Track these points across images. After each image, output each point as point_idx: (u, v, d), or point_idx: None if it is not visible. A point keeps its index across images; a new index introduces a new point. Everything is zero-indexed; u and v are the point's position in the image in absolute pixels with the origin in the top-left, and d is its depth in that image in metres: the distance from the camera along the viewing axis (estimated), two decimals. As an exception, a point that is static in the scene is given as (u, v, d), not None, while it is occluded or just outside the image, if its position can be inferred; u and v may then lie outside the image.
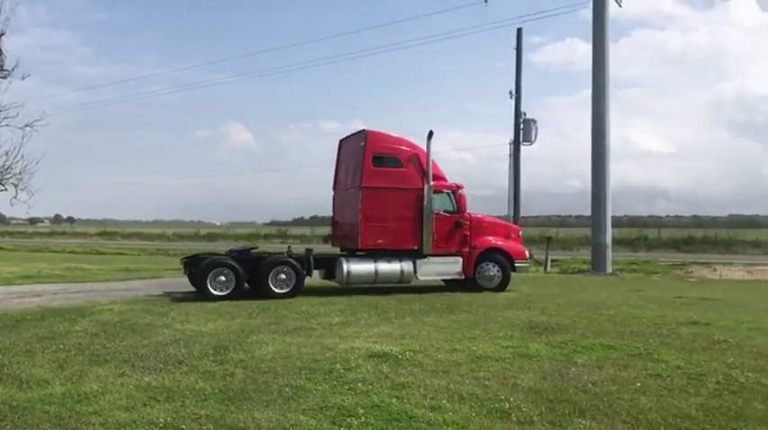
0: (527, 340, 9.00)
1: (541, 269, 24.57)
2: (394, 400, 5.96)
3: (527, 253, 17.45)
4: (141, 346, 8.52)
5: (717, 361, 7.73)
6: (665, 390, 6.42)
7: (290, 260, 14.97)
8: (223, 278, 14.27)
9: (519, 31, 27.01)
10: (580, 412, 5.68)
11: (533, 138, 25.76)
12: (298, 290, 14.75)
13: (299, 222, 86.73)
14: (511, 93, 26.22)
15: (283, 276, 14.68)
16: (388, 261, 15.52)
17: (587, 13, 25.31)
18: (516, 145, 26.15)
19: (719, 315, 11.61)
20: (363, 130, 16.21)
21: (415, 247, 15.79)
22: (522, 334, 9.57)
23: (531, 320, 10.87)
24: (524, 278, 20.03)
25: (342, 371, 7.05)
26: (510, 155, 26.21)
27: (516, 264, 16.67)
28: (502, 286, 16.28)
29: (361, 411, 5.63)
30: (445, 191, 16.46)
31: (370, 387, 6.41)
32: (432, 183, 15.86)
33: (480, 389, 6.39)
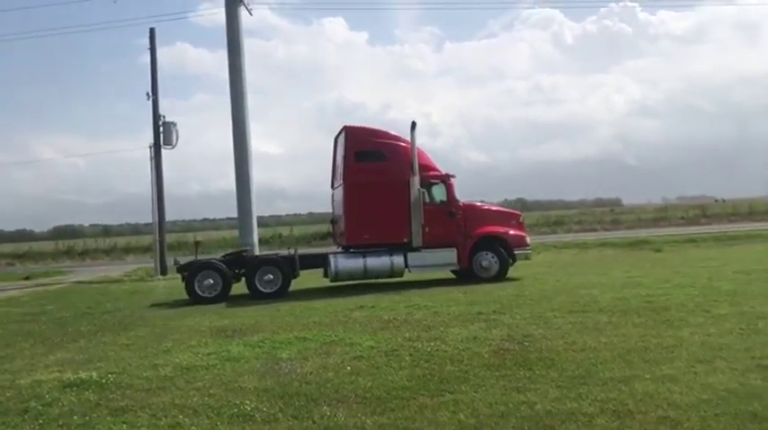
0: (224, 344, 8.94)
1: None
2: (124, 426, 5.46)
3: (528, 240, 16.74)
4: None
5: (398, 337, 8.77)
6: (374, 369, 7.09)
7: (276, 260, 15.33)
8: (211, 281, 14.66)
9: (152, 31, 26.03)
10: (314, 401, 5.95)
11: (174, 141, 25.20)
12: (284, 290, 14.96)
13: None
14: (148, 94, 25.18)
15: (270, 276, 14.92)
16: (378, 255, 15.33)
17: (199, 20, 25.67)
18: (157, 148, 25.19)
19: (378, 298, 13.07)
20: (344, 127, 16.01)
21: (406, 240, 15.51)
22: (215, 339, 9.47)
23: (215, 325, 10.82)
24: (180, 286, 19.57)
25: (40, 408, 6.13)
26: (151, 158, 25.20)
27: (516, 253, 16.05)
28: (499, 275, 15.72)
29: (94, 445, 5.04)
30: (434, 181, 16.12)
31: (86, 419, 5.73)
32: (418, 174, 15.44)
33: (209, 398, 6.22)
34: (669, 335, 7.84)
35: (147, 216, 28.69)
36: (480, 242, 15.85)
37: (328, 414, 5.56)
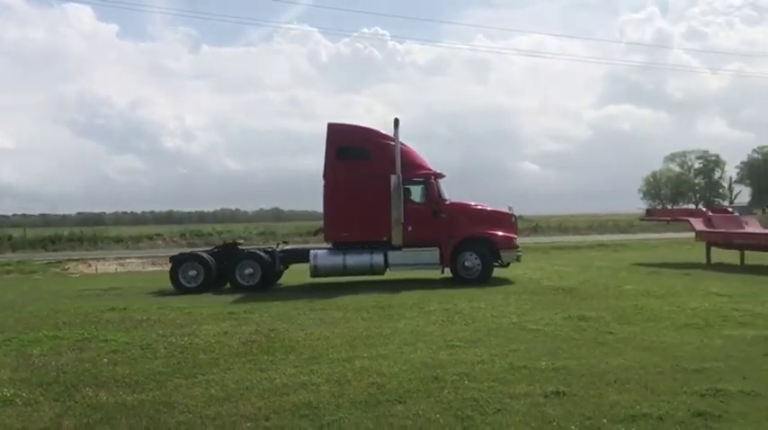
0: (-35, 344, 8.81)
1: None
2: None
3: (516, 241, 15.95)
4: None
5: (153, 333, 9.37)
6: (131, 360, 7.74)
7: (257, 254, 15.62)
8: (194, 272, 15.30)
9: None
10: (74, 387, 6.49)
11: None
12: (266, 283, 15.33)
13: None
14: None
15: (250, 270, 15.28)
16: (358, 253, 15.25)
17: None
18: None
19: (129, 300, 13.35)
20: (327, 124, 15.75)
21: (386, 239, 15.35)
22: (-47, 339, 9.22)
23: (-49, 326, 10.37)
24: None
25: None
26: None
27: (503, 254, 15.45)
28: (482, 277, 15.24)
29: None
30: (418, 179, 15.81)
31: None
32: (399, 172, 15.23)
33: (-39, 390, 6.41)
34: (388, 326, 9.53)
35: None
36: (464, 242, 15.51)
37: (90, 395, 6.18)
